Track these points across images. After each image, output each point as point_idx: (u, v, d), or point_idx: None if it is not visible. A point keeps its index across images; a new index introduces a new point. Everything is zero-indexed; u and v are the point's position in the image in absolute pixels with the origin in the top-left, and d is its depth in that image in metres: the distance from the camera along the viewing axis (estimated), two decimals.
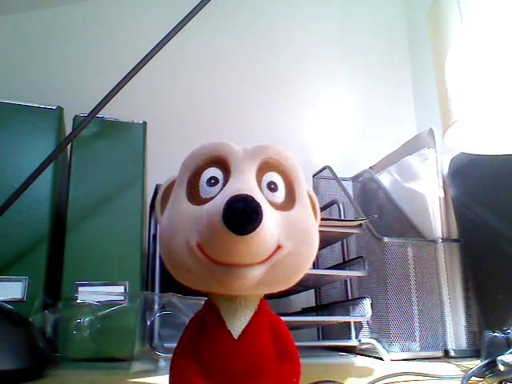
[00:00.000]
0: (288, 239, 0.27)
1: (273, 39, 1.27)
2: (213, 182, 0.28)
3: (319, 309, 0.89)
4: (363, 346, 0.72)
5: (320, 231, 0.30)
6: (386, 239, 0.71)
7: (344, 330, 0.77)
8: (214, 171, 0.29)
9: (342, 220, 0.77)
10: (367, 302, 0.69)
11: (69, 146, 0.68)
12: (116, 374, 0.52)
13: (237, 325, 0.29)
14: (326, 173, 0.94)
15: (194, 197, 0.28)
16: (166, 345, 0.57)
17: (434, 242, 0.74)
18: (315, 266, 0.90)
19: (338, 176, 0.90)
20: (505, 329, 0.50)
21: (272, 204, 0.28)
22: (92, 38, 1.11)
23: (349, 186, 0.97)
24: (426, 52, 1.17)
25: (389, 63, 1.36)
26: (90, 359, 0.57)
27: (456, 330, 0.71)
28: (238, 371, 0.28)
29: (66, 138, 0.59)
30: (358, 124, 1.28)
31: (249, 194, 0.25)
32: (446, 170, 0.78)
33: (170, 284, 0.58)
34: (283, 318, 0.32)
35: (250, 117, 1.18)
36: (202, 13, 0.58)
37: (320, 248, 0.68)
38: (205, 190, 0.28)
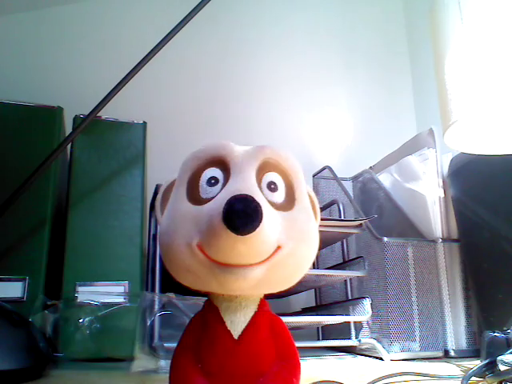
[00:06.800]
0: (288, 239, 0.27)
1: (273, 41, 1.27)
2: (213, 181, 0.28)
3: (319, 309, 0.89)
4: (363, 346, 0.72)
5: (320, 231, 0.30)
6: (385, 239, 0.71)
7: (344, 330, 0.77)
8: (214, 171, 0.29)
9: (342, 220, 0.77)
10: (367, 302, 0.69)
11: (69, 146, 0.68)
12: (116, 374, 0.52)
13: (237, 325, 0.29)
14: (326, 173, 0.94)
15: (194, 197, 0.28)
16: (166, 345, 0.57)
17: (434, 241, 0.74)
18: (315, 265, 0.90)
19: (338, 176, 0.90)
20: (505, 329, 0.50)
21: (272, 204, 0.28)
22: (92, 39, 1.11)
23: (349, 186, 0.97)
24: (426, 52, 1.17)
25: (389, 64, 1.36)
26: (89, 359, 0.57)
27: (456, 330, 0.71)
28: (238, 371, 0.28)
29: (66, 138, 0.59)
30: (358, 124, 1.28)
31: (249, 194, 0.25)
32: (445, 170, 0.78)
33: (170, 284, 0.58)
34: (283, 318, 0.32)
35: (250, 117, 1.18)
36: (202, 13, 0.58)
37: (320, 248, 0.68)
38: (205, 190, 0.28)
